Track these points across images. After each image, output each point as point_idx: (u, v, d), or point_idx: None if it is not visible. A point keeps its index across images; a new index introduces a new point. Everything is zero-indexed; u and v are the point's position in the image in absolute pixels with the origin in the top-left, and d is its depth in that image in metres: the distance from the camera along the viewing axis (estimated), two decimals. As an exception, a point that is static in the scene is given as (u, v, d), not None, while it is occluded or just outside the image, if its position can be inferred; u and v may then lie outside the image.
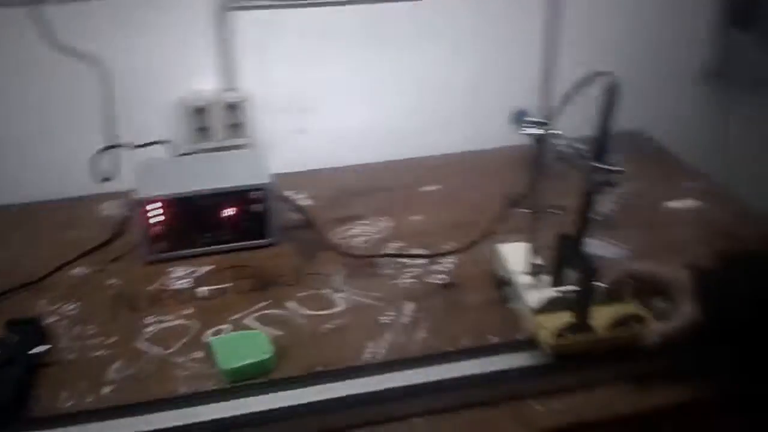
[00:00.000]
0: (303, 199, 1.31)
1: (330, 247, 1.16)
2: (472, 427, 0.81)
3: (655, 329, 0.84)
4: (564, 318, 0.86)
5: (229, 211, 1.12)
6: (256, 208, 1.13)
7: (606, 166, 0.76)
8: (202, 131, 1.49)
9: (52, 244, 1.17)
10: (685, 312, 0.82)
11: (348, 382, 0.85)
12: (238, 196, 1.12)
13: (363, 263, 1.12)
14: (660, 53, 1.92)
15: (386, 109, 1.59)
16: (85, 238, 1.18)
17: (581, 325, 0.84)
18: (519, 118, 0.90)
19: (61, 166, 1.34)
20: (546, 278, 0.95)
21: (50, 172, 1.35)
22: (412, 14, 1.68)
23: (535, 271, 0.96)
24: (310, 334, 0.96)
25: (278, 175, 1.15)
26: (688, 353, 0.85)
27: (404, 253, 1.13)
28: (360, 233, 1.21)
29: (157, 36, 1.42)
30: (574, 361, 0.86)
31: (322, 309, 1.01)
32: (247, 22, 1.68)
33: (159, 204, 1.09)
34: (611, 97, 0.77)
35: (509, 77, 1.52)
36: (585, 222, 0.82)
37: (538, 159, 0.89)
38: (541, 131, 0.87)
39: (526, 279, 0.97)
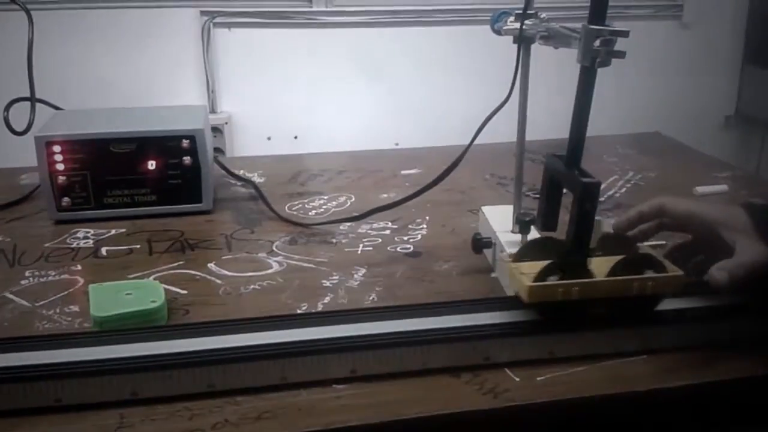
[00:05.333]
0: (255, 177, 1.11)
1: (277, 217, 0.95)
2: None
3: (722, 265, 0.62)
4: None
5: (152, 163, 0.92)
6: (186, 161, 0.93)
7: (609, 27, 0.56)
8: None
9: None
10: (750, 248, 0.61)
11: (255, 334, 0.61)
12: (163, 144, 0.92)
13: (313, 232, 0.90)
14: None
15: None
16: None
17: (574, 265, 0.61)
18: (499, 18, 0.71)
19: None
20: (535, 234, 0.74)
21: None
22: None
23: (522, 225, 0.74)
24: (225, 294, 0.74)
25: (234, 158, 0.97)
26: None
27: (361, 221, 0.92)
28: (316, 206, 1.00)
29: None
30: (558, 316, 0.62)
31: (250, 271, 0.79)
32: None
33: (66, 147, 0.90)
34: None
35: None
36: (583, 112, 0.60)
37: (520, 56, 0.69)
38: (527, 22, 0.67)
39: (512, 236, 0.76)
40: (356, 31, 2.16)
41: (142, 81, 2.02)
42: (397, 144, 2.04)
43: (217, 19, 2.02)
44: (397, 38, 2.17)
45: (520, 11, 0.69)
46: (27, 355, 0.58)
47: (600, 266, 0.63)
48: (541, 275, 0.61)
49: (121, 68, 2.00)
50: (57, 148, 0.89)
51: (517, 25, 0.69)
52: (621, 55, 0.56)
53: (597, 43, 0.56)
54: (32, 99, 1.01)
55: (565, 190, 0.65)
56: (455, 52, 2.19)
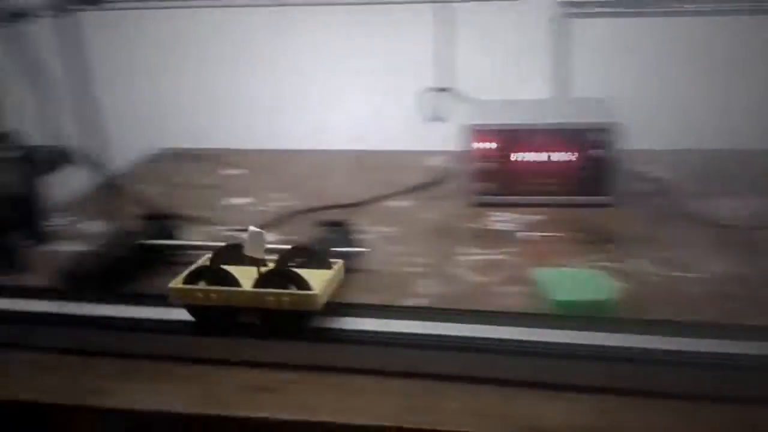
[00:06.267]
0: (654, 172, 1.10)
1: (691, 217, 0.93)
2: None
3: None
4: None
5: (566, 155, 0.96)
6: (597, 153, 0.95)
7: None
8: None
9: (375, 183, 1.12)
10: None
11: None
12: (580, 136, 0.95)
13: (733, 235, 0.87)
14: None
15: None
16: (405, 181, 1.11)
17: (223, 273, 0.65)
18: None
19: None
20: None
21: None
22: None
23: None
24: (668, 292, 0.75)
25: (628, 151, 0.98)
26: None
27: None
28: (727, 207, 0.96)
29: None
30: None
31: (678, 272, 0.79)
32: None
33: (490, 135, 0.97)
34: None
35: None
36: None
37: None
38: None
39: None
40: (702, 20, 2.01)
41: (494, 71, 2.09)
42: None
43: (570, 9, 2.01)
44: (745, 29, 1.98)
45: None
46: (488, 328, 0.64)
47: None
48: (191, 277, 0.65)
49: (475, 59, 2.10)
50: (482, 137, 0.97)
51: None
52: None
53: None
54: (445, 89, 1.12)
55: None
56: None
